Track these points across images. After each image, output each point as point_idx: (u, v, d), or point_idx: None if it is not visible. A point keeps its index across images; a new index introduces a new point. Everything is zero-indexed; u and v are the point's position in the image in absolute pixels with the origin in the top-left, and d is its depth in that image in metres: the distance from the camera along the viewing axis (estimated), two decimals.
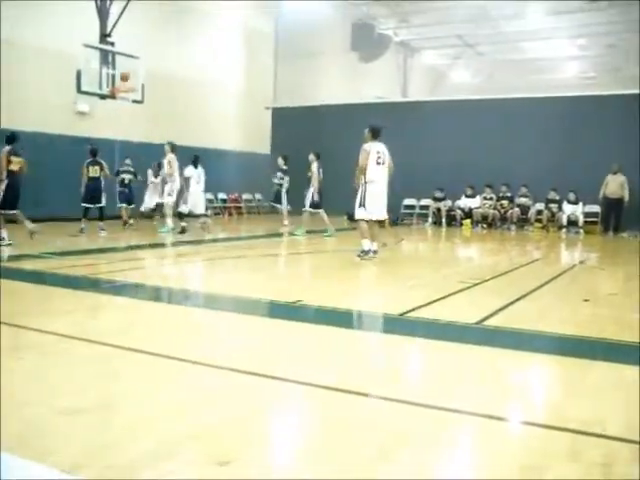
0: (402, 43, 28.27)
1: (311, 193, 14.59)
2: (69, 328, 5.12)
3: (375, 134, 10.10)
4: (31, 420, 3.16)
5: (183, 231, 14.19)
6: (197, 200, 14.73)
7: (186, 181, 14.70)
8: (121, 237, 13.71)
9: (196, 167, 14.73)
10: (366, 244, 9.77)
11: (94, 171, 13.99)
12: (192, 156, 14.87)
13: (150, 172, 16.60)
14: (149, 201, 16.72)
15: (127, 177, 16.01)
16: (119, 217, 15.64)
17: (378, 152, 9.89)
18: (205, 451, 2.89)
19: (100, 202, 14.02)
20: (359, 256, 9.74)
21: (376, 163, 9.82)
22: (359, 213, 9.89)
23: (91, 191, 13.99)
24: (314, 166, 14.55)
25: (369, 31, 25.47)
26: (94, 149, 14.22)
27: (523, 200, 18.87)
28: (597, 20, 23.35)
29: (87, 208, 13.92)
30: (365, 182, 9.79)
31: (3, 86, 15.03)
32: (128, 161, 16.16)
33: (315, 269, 10.14)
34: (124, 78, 15.02)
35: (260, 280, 8.28)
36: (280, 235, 14.88)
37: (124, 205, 15.88)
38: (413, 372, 4.54)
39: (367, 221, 9.79)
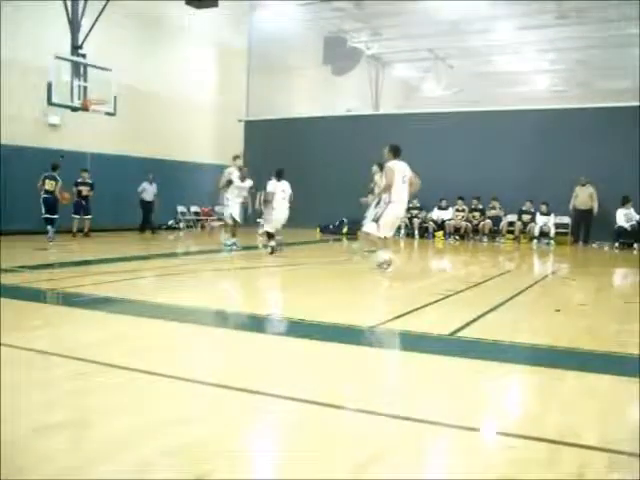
0: (374, 56, 28.46)
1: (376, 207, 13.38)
2: (43, 343, 5.05)
3: (396, 153, 10.17)
4: (4, 438, 3.11)
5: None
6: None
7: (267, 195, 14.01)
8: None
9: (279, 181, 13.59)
10: (384, 254, 9.94)
11: (50, 185, 14.81)
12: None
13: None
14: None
15: (84, 189, 16.61)
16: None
17: (402, 171, 9.92)
18: (183, 467, 2.87)
19: (56, 214, 14.84)
20: (379, 266, 9.85)
21: (402, 182, 9.89)
22: (370, 227, 10.08)
23: (49, 204, 14.76)
24: (377, 177, 13.07)
25: (341, 45, 25.62)
26: (55, 164, 14.95)
27: (494, 212, 19.06)
28: (566, 35, 23.77)
29: (48, 218, 14.69)
30: (389, 201, 9.83)
31: None
32: (86, 174, 16.73)
33: (292, 281, 10.12)
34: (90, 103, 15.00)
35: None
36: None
37: (77, 216, 16.45)
38: (387, 384, 4.54)
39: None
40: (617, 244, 17.00)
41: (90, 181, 16.67)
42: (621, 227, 17.13)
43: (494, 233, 18.95)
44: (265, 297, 8.35)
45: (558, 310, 7.05)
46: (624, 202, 17.10)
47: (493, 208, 19.02)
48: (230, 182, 13.91)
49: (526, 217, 18.45)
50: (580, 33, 23.52)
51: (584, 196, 17.64)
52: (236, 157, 14.67)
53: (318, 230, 17.01)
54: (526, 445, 3.23)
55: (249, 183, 14.36)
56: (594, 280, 10.71)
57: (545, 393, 4.19)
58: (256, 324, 6.24)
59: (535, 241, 18.13)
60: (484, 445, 3.36)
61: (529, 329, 6.20)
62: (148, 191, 18.81)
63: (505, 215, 18.96)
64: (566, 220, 18.36)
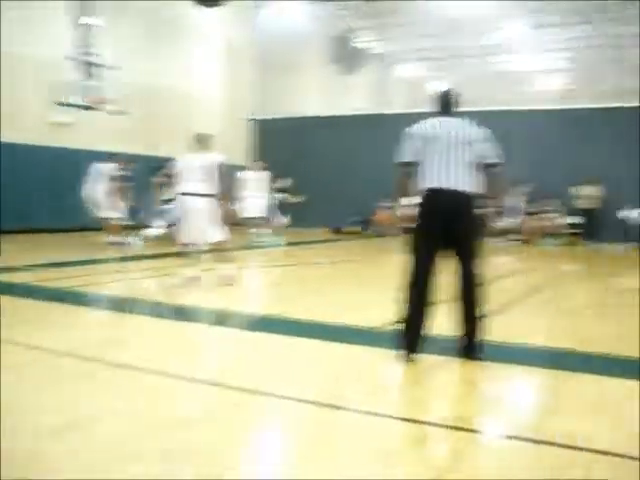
0: (381, 56, 28.46)
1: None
2: (53, 342, 5.06)
3: None
4: (16, 439, 3.12)
5: None
6: None
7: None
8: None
9: None
10: None
11: None
12: None
13: None
14: None
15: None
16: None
17: None
18: (196, 468, 2.87)
19: None
20: None
21: None
22: None
23: None
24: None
25: (347, 44, 25.62)
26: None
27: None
28: (577, 35, 23.70)
29: None
30: None
31: None
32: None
33: (293, 280, 10.12)
34: (99, 101, 14.96)
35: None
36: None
37: None
38: (391, 385, 4.54)
39: None
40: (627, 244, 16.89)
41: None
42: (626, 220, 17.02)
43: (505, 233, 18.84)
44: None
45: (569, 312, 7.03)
46: None
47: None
48: None
49: (534, 217, 18.31)
50: (590, 32, 23.46)
51: (591, 195, 17.60)
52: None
53: (329, 230, 16.86)
54: (533, 448, 3.23)
55: None
56: (607, 282, 10.65)
57: (554, 396, 4.18)
58: (262, 325, 6.24)
59: (545, 242, 18.02)
60: (495, 448, 3.34)
61: (540, 331, 6.18)
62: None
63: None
64: (577, 220, 18.25)
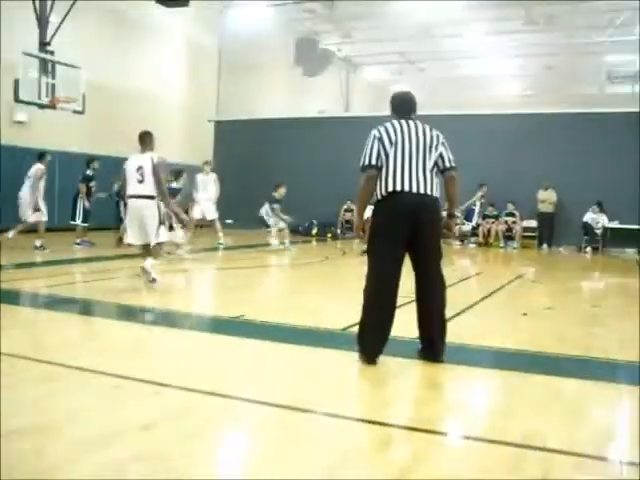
0: (345, 58, 28.56)
1: None
2: (9, 345, 4.98)
3: None
4: None
5: None
6: None
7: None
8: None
9: None
10: None
11: None
12: None
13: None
14: None
15: None
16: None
17: None
18: (150, 472, 2.84)
19: None
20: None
21: None
22: None
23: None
24: None
25: (312, 46, 25.63)
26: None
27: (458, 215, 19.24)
28: (535, 42, 24.08)
29: None
30: None
31: None
32: None
33: (259, 283, 10.10)
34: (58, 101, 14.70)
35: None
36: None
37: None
38: (355, 388, 4.55)
39: None
40: (587, 248, 17.18)
41: None
42: (587, 223, 17.28)
43: (463, 236, 19.04)
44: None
45: (525, 314, 7.13)
46: (600, 208, 17.18)
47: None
48: None
49: (510, 219, 18.52)
50: (548, 40, 23.88)
51: (547, 200, 17.90)
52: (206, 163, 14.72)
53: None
54: (490, 449, 3.26)
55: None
56: (561, 284, 10.82)
57: (511, 396, 4.24)
58: (226, 326, 6.21)
59: (502, 244, 18.25)
60: (449, 449, 3.38)
61: (496, 332, 6.25)
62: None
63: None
64: (533, 224, 18.54)
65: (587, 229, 17.33)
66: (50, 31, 15.09)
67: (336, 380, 4.52)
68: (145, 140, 8.20)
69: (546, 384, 4.45)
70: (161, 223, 7.97)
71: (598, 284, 11.82)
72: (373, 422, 3.59)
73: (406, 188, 4.73)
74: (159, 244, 8.14)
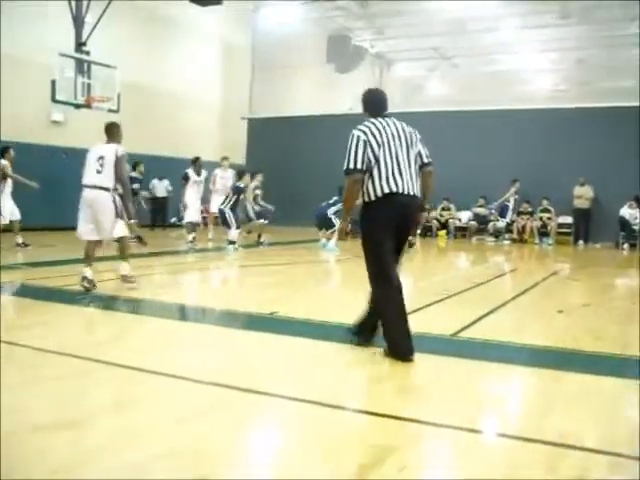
0: (378, 55, 28.42)
1: None
2: (44, 341, 5.06)
3: None
4: (5, 437, 3.12)
5: None
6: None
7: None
8: None
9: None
10: None
11: None
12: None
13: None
14: None
15: None
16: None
17: None
18: (182, 467, 2.87)
19: None
20: None
21: None
22: None
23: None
24: None
25: (345, 43, 25.56)
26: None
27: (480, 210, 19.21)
28: (569, 35, 23.73)
29: None
30: None
31: None
32: None
33: (291, 281, 10.12)
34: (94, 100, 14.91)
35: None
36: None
37: None
38: (390, 385, 4.54)
39: None
40: (624, 245, 16.91)
41: None
42: (624, 219, 17.01)
43: (497, 233, 18.88)
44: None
45: (561, 311, 7.05)
46: (638, 203, 16.90)
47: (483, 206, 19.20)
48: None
49: (545, 215, 18.33)
50: (580, 33, 23.51)
51: (583, 195, 17.65)
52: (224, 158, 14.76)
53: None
54: (526, 447, 3.24)
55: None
56: (597, 280, 10.68)
57: (547, 395, 4.20)
58: (259, 323, 6.24)
59: (536, 241, 18.06)
60: (483, 446, 3.36)
61: (531, 330, 6.20)
62: (158, 188, 18.91)
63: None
64: (569, 220, 18.31)
65: (624, 225, 17.07)
66: (86, 32, 15.31)
67: (369, 377, 4.52)
68: (112, 131, 7.96)
69: (582, 382, 4.40)
70: (117, 217, 7.52)
71: (635, 281, 11.63)
72: (404, 419, 3.58)
73: (399, 190, 4.80)
74: (121, 239, 7.70)
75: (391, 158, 4.83)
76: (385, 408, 3.76)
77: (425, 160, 5.08)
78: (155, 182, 18.94)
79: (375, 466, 2.93)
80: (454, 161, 19.05)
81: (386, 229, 4.83)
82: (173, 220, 19.01)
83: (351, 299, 7.73)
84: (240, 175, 13.65)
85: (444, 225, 19.43)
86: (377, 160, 4.80)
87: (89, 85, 15.05)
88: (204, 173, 14.05)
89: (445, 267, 13.19)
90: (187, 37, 21.46)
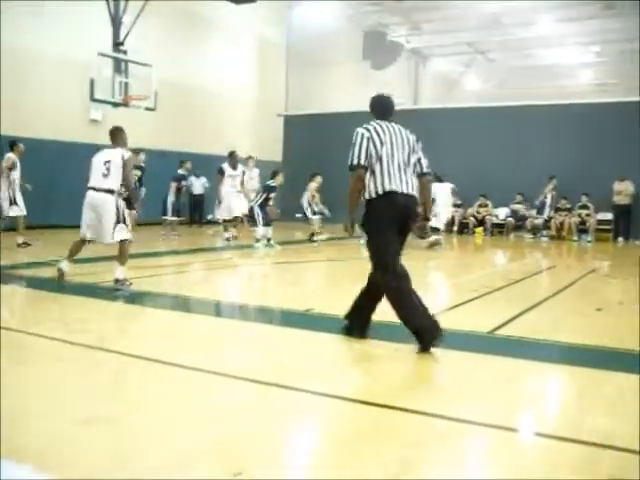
0: (413, 50, 28.33)
1: None
2: (84, 336, 5.14)
3: None
4: (48, 431, 3.18)
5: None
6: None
7: None
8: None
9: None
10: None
11: None
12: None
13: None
14: None
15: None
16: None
17: None
18: (220, 462, 2.89)
19: None
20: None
21: None
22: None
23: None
24: None
25: (380, 39, 25.50)
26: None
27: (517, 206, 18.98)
28: (611, 27, 23.31)
29: None
30: None
31: (18, 94, 15.17)
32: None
33: (327, 279, 10.13)
34: (131, 99, 15.07)
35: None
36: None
37: None
38: (426, 382, 4.53)
39: None
40: None
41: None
42: None
43: (535, 230, 18.66)
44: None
45: (599, 309, 6.95)
46: None
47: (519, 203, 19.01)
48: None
49: (583, 212, 18.06)
50: (625, 24, 23.06)
51: (623, 191, 17.36)
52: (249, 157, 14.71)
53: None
54: (563, 447, 3.20)
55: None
56: (637, 278, 10.49)
57: (585, 394, 4.14)
58: (296, 319, 6.26)
59: (575, 238, 17.81)
60: (520, 446, 3.33)
61: (569, 328, 6.12)
62: (195, 185, 19.06)
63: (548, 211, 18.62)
64: (609, 216, 18.01)
65: None
66: (123, 31, 15.50)
67: (403, 374, 4.51)
68: (116, 135, 8.05)
69: (621, 382, 4.33)
70: (120, 221, 7.54)
71: None
72: (439, 416, 3.56)
73: (399, 189, 4.95)
74: (122, 242, 7.63)
75: (392, 157, 5.00)
76: (419, 405, 3.74)
77: (425, 170, 5.23)
78: (192, 179, 19.10)
79: (408, 463, 2.92)
80: (491, 157, 18.90)
81: (390, 224, 4.98)
82: (210, 217, 19.15)
83: None
84: (274, 174, 13.64)
85: (481, 222, 19.25)
86: (379, 158, 4.96)
87: (126, 84, 15.23)
88: (240, 168, 14.01)
89: (482, 264, 13.07)
90: (222, 35, 21.57)
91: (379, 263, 5.04)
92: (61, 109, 16.13)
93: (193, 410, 3.56)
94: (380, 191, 4.94)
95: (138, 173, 13.47)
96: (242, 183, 14.13)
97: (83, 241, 7.73)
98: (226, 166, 13.81)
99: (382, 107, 5.37)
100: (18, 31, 15.19)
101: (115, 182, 7.54)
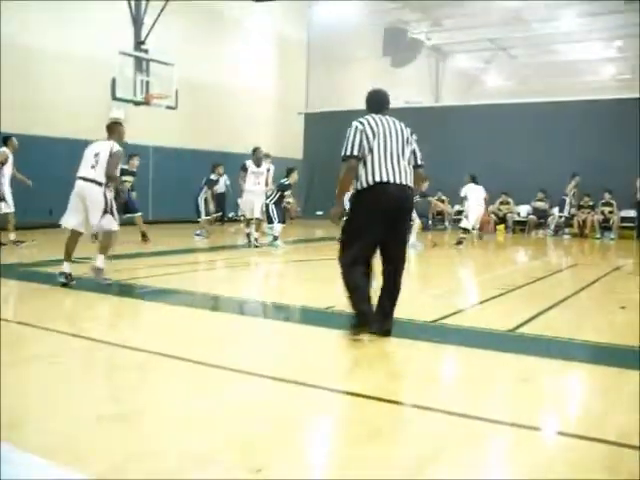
0: (434, 47, 28.15)
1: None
2: (105, 333, 5.17)
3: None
4: (69, 426, 3.20)
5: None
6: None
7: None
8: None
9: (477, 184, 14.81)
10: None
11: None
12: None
13: None
14: None
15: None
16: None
17: None
18: (239, 459, 2.90)
19: None
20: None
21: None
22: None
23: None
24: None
25: (401, 36, 25.38)
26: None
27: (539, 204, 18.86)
28: (633, 21, 23.01)
29: None
30: None
31: (38, 93, 15.32)
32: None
33: None
34: (152, 98, 15.17)
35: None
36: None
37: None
38: (446, 380, 4.52)
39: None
40: None
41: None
42: None
43: (557, 227, 18.51)
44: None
45: (623, 307, 6.88)
46: None
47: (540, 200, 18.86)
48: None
49: (606, 209, 17.89)
50: None
51: None
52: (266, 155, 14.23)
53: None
54: (586, 446, 3.17)
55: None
56: None
57: (608, 393, 4.10)
58: (314, 317, 6.26)
59: (598, 235, 17.64)
60: (542, 445, 3.30)
61: (593, 326, 6.07)
62: (219, 183, 19.10)
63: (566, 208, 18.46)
64: (632, 213, 17.82)
65: None
66: (144, 30, 15.58)
67: (424, 373, 4.49)
68: (112, 129, 8.09)
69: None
70: (107, 212, 7.54)
71: None
72: (461, 415, 3.54)
73: (391, 179, 5.01)
74: (107, 232, 7.68)
75: (385, 149, 5.07)
76: (442, 404, 3.73)
77: (419, 162, 5.35)
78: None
79: (431, 462, 2.91)
80: (513, 154, 18.76)
81: (372, 218, 5.02)
82: (231, 215, 19.21)
83: (409, 294, 7.70)
84: (288, 172, 13.54)
85: (502, 219, 19.13)
86: (371, 150, 5.06)
87: (148, 83, 15.31)
88: (264, 165, 13.70)
89: (504, 262, 12.99)
90: (243, 33, 21.63)
91: (346, 251, 5.13)
92: (83, 108, 16.22)
93: (212, 407, 3.57)
94: (370, 181, 5.01)
95: (130, 179, 13.38)
96: (267, 182, 13.57)
97: (74, 236, 7.72)
98: (250, 163, 13.61)
99: (377, 102, 5.51)
100: (40, 30, 15.34)
101: (101, 174, 7.56)
